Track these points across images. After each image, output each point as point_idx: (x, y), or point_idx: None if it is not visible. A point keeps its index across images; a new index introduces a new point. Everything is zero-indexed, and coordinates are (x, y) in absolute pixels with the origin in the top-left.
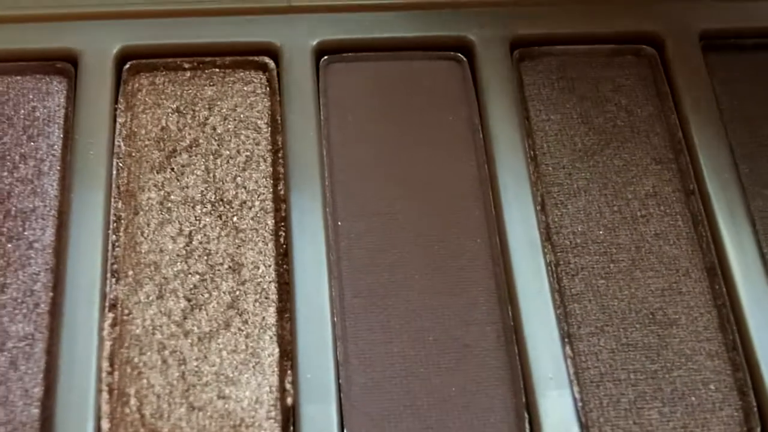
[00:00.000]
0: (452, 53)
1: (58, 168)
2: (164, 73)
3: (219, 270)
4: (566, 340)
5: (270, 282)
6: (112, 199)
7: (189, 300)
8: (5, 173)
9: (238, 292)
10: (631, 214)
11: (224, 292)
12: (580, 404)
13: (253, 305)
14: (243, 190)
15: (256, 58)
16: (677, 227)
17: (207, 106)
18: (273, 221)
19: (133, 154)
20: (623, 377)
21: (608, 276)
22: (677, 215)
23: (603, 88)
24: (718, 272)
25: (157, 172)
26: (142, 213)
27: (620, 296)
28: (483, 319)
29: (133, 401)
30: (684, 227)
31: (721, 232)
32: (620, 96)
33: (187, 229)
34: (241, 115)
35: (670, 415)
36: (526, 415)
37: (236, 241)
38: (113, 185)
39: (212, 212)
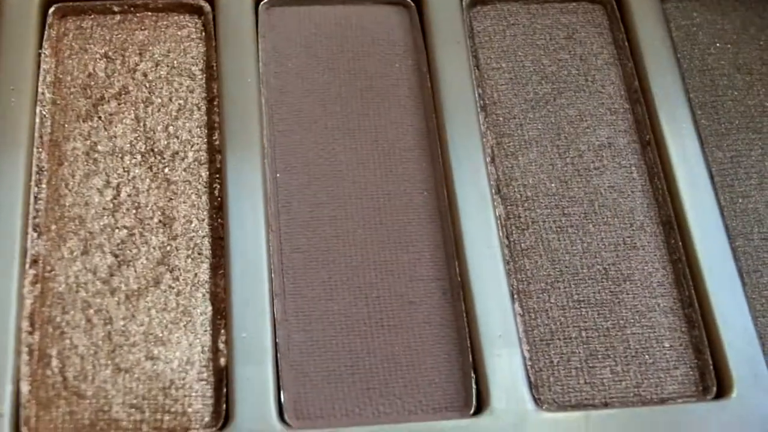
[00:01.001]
0: None
1: None
2: (92, 16)
3: (149, 224)
4: (515, 296)
5: (203, 237)
6: (35, 150)
7: (116, 256)
8: None
9: (169, 248)
10: (584, 166)
11: (154, 248)
12: (529, 363)
13: (185, 261)
14: (175, 140)
15: (191, 1)
16: (632, 179)
17: (137, 52)
18: (207, 173)
19: (58, 102)
20: (574, 335)
21: (560, 230)
22: (632, 167)
23: (557, 36)
24: (674, 226)
25: (84, 121)
26: (66, 164)
27: (572, 251)
28: (429, 275)
29: (55, 363)
30: (639, 179)
31: (677, 184)
32: (574, 44)
33: (115, 180)
34: (174, 62)
35: (623, 374)
36: (473, 375)
37: (167, 193)
38: (36, 135)
39: (142, 163)
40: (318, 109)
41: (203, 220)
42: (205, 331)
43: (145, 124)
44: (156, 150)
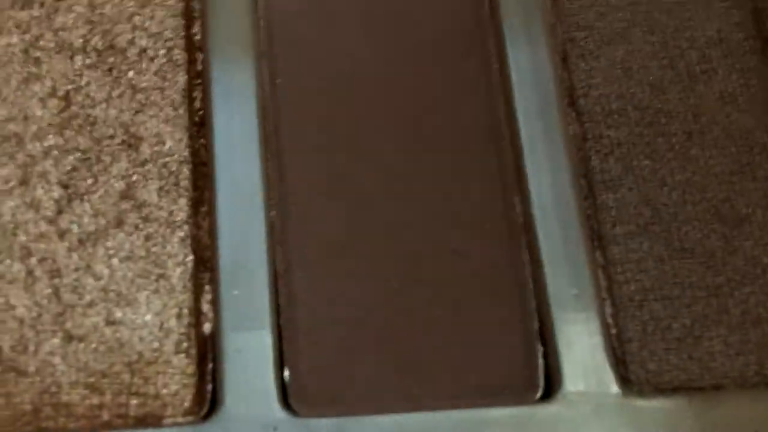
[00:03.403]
0: None
1: None
2: None
3: (108, 146)
4: (596, 243)
5: (181, 162)
6: None
7: (66, 187)
8: None
9: (135, 177)
10: (687, 70)
11: (115, 177)
12: (614, 331)
13: (157, 195)
14: (143, 33)
15: None
16: (750, 87)
17: None
18: (185, 77)
19: None
20: (676, 294)
21: (655, 155)
22: (750, 71)
23: None
24: None
25: (21, 8)
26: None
27: (671, 183)
28: (481, 217)
29: None
30: (759, 87)
31: None
32: None
33: (64, 88)
34: None
35: (740, 346)
36: (539, 347)
37: (133, 104)
38: None
39: (99, 65)
40: None
41: (180, 140)
42: (184, 287)
43: (102, 14)
44: (117, 47)
